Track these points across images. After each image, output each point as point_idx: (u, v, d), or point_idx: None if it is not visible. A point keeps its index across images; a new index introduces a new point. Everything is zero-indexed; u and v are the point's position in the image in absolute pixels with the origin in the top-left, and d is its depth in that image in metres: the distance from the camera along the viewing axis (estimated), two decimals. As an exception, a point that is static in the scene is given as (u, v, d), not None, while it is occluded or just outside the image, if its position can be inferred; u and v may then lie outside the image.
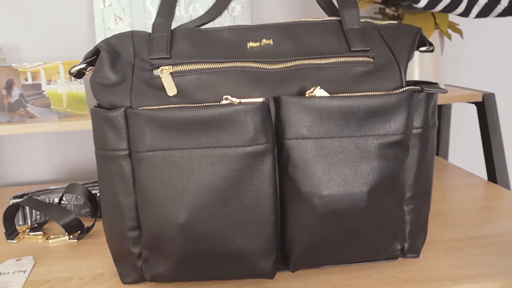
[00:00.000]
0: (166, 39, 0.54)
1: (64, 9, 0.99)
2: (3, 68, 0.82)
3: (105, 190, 0.53)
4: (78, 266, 0.62)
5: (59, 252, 0.66)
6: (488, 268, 0.56)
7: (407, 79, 0.56)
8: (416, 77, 0.90)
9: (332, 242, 0.51)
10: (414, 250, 0.58)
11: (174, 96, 0.51)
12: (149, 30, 0.56)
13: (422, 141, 0.55)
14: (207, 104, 0.50)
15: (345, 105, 0.49)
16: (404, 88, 0.51)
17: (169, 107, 0.49)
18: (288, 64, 0.53)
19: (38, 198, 0.78)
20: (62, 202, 0.77)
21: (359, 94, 0.51)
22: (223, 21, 0.97)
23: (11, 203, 0.75)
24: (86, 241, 0.69)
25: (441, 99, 0.89)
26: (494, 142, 0.91)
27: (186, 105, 0.50)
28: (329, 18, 0.58)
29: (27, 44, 0.99)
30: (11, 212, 0.72)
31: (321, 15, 1.06)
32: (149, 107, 0.50)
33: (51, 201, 0.78)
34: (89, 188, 0.81)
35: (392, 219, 0.54)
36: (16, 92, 0.82)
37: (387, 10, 0.98)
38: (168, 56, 0.53)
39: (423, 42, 0.57)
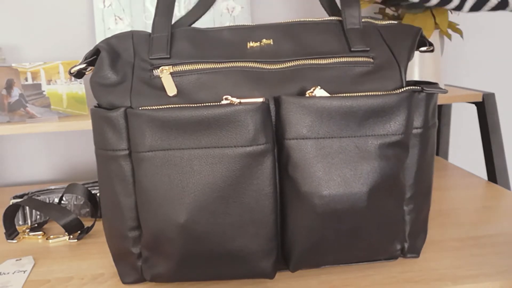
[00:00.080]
0: (166, 39, 0.54)
1: (64, 9, 0.99)
2: (3, 68, 0.82)
3: (105, 190, 0.53)
4: (78, 266, 0.62)
5: (59, 252, 0.66)
6: (488, 268, 0.56)
7: (407, 79, 0.56)
8: (416, 77, 0.90)
9: (332, 242, 0.51)
10: (414, 250, 0.58)
11: (174, 96, 0.51)
12: (149, 30, 0.56)
13: (422, 141, 0.55)
14: (207, 104, 0.50)
15: (345, 105, 0.49)
16: (404, 88, 0.51)
17: (169, 107, 0.49)
18: (288, 64, 0.53)
19: (38, 198, 0.78)
20: (62, 202, 0.77)
21: (359, 94, 0.51)
22: (223, 21, 0.97)
23: (11, 203, 0.75)
24: (86, 241, 0.69)
25: (441, 99, 0.89)
26: (494, 142, 0.91)
27: (186, 105, 0.50)
28: (329, 18, 0.58)
29: (27, 44, 0.99)
30: (11, 212, 0.72)
31: (321, 15, 1.06)
32: (149, 107, 0.50)
33: (51, 201, 0.78)
34: (89, 188, 0.81)
35: (392, 219, 0.54)
36: (16, 92, 0.82)
37: (387, 10, 0.98)
38: (168, 56, 0.53)
39: (423, 42, 0.57)
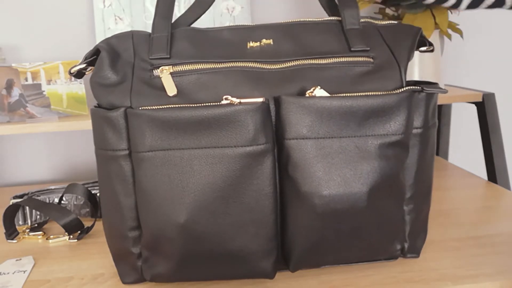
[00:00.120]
0: (166, 39, 0.54)
1: (64, 9, 0.99)
2: (3, 68, 0.82)
3: (105, 190, 0.53)
4: (78, 266, 0.62)
5: (59, 252, 0.66)
6: (488, 268, 0.56)
7: (407, 79, 0.56)
8: (416, 77, 0.90)
9: (332, 242, 0.51)
10: (414, 250, 0.58)
11: (174, 96, 0.51)
12: (149, 30, 0.56)
13: (422, 141, 0.55)
14: (207, 104, 0.50)
15: (345, 105, 0.49)
16: (404, 88, 0.51)
17: (169, 107, 0.49)
18: (288, 64, 0.53)
19: (38, 198, 0.78)
20: (62, 202, 0.77)
21: (359, 94, 0.51)
22: (223, 21, 0.97)
23: (11, 203, 0.75)
24: (86, 241, 0.69)
25: (441, 99, 0.89)
26: (494, 142, 0.91)
27: (186, 105, 0.50)
28: (329, 18, 0.58)
29: (27, 44, 0.99)
30: (11, 212, 0.72)
31: (321, 15, 1.06)
32: (149, 107, 0.50)
33: (51, 201, 0.78)
34: (89, 188, 0.81)
35: (392, 219, 0.54)
36: (16, 92, 0.82)
37: (387, 10, 0.98)
38: (168, 56, 0.53)
39: (423, 42, 0.57)
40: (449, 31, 1.08)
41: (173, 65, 0.52)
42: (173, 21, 0.57)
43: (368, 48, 0.54)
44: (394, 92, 0.51)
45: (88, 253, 0.65)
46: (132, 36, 0.55)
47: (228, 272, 0.53)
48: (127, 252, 0.54)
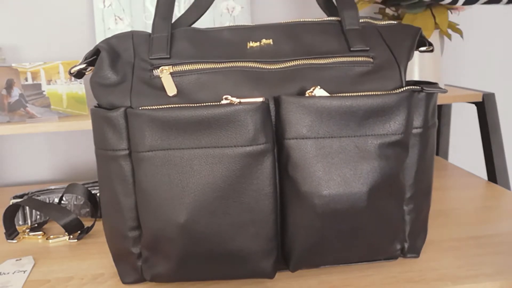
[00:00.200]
0: (166, 39, 0.54)
1: (64, 9, 0.99)
2: (3, 68, 0.82)
3: (105, 190, 0.53)
4: (78, 266, 0.62)
5: (59, 252, 0.66)
6: (488, 268, 0.56)
7: (407, 79, 0.56)
8: (416, 77, 0.90)
9: (332, 242, 0.51)
10: (414, 250, 0.58)
11: (174, 96, 0.51)
12: (149, 30, 0.56)
13: (422, 141, 0.55)
14: (207, 104, 0.50)
15: (345, 105, 0.49)
16: (404, 88, 0.51)
17: (169, 107, 0.49)
18: (288, 64, 0.53)
19: (38, 198, 0.78)
20: (62, 202, 0.77)
21: (359, 94, 0.51)
22: (223, 21, 0.97)
23: (11, 203, 0.75)
24: (86, 241, 0.69)
25: (441, 99, 0.89)
26: (494, 142, 0.91)
27: (186, 105, 0.50)
28: (329, 18, 0.58)
29: (27, 44, 0.99)
30: (11, 212, 0.72)
31: (321, 15, 1.06)
32: (149, 107, 0.50)
33: (51, 201, 0.78)
34: (89, 188, 0.81)
35: (392, 219, 0.54)
36: (16, 92, 0.82)
37: (387, 10, 0.98)
38: (168, 56, 0.53)
39: (422, 42, 0.57)
40: (449, 31, 1.08)
41: (173, 65, 0.52)
42: (173, 21, 0.57)
43: (368, 48, 0.54)
44: (394, 92, 0.51)
45: (88, 253, 0.65)
46: (132, 36, 0.55)
47: (228, 272, 0.53)
48: (127, 252, 0.54)
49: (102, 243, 0.68)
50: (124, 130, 0.50)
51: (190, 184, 0.48)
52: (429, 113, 0.55)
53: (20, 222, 0.75)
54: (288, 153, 0.49)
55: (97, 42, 0.73)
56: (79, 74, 0.54)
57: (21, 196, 0.78)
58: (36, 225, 0.74)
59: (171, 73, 0.52)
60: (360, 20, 0.57)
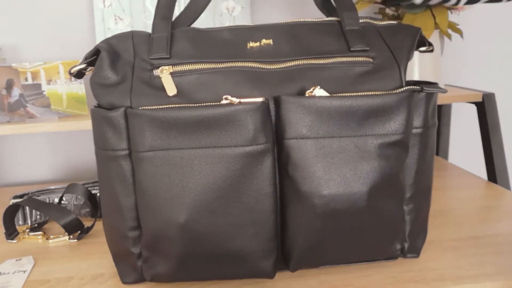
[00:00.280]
0: (166, 39, 0.54)
1: (64, 9, 0.99)
2: (3, 68, 0.82)
3: (105, 190, 0.53)
4: (78, 266, 0.62)
5: (59, 252, 0.66)
6: (488, 268, 0.56)
7: (407, 79, 0.56)
8: (416, 77, 0.90)
9: (332, 242, 0.51)
10: (414, 250, 0.58)
11: (174, 96, 0.51)
12: (149, 30, 0.56)
13: (422, 141, 0.55)
14: (207, 104, 0.50)
15: (345, 105, 0.49)
16: (404, 88, 0.51)
17: (169, 107, 0.49)
18: (288, 64, 0.53)
19: (38, 198, 0.78)
20: (62, 202, 0.77)
21: (359, 94, 0.51)
22: (223, 21, 0.97)
23: (11, 203, 0.75)
24: (86, 241, 0.69)
25: (441, 99, 0.89)
26: (494, 142, 0.91)
27: (186, 105, 0.50)
28: (329, 18, 0.58)
29: (27, 44, 0.99)
30: (11, 212, 0.72)
31: (321, 15, 1.06)
32: (149, 107, 0.50)
33: (51, 201, 0.78)
34: (89, 188, 0.81)
35: (392, 219, 0.54)
36: (16, 92, 0.82)
37: (387, 10, 0.98)
38: (168, 56, 0.53)
39: (422, 42, 0.57)
40: (449, 31, 1.08)
41: (173, 65, 0.52)
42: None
43: (368, 48, 0.54)
44: (393, 92, 0.51)
45: (88, 253, 0.65)
46: (132, 36, 0.55)
47: (228, 272, 0.53)
48: (127, 252, 0.54)
49: (102, 243, 0.68)
50: (124, 130, 0.50)
51: (190, 184, 0.48)
52: (429, 113, 0.55)
53: (20, 222, 0.75)
54: (288, 153, 0.49)
55: (97, 42, 0.73)
56: (79, 74, 0.54)
57: (21, 196, 0.78)
58: (36, 225, 0.74)
59: (171, 73, 0.52)
60: (360, 20, 0.57)
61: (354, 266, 0.58)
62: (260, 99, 0.49)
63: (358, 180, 0.49)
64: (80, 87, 0.85)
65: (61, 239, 0.70)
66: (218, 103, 0.50)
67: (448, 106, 1.10)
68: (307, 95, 0.50)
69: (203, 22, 0.96)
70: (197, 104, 0.50)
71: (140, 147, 0.49)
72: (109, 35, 0.94)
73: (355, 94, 0.51)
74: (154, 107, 0.50)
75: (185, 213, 0.48)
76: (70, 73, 0.54)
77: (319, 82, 0.52)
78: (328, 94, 0.50)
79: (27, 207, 0.75)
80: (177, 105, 0.50)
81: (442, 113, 1.10)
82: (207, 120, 0.48)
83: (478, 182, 0.88)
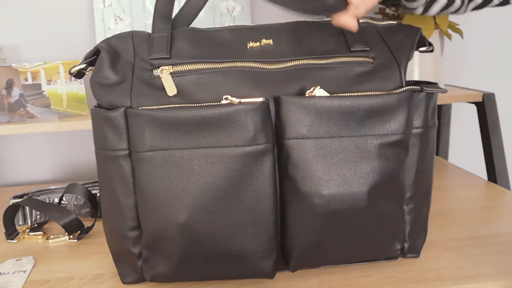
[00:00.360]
0: (166, 39, 0.54)
1: (64, 9, 0.99)
2: (3, 68, 0.82)
3: (105, 190, 0.53)
4: (78, 266, 0.62)
5: (59, 252, 0.66)
6: (488, 268, 0.56)
7: (407, 79, 0.56)
8: (416, 77, 0.90)
9: (332, 242, 0.51)
10: (414, 250, 0.58)
11: (174, 96, 0.51)
12: (149, 30, 0.56)
13: (422, 141, 0.55)
14: (207, 104, 0.50)
15: (345, 105, 0.49)
16: (404, 88, 0.51)
17: (169, 107, 0.49)
18: (288, 64, 0.53)
19: (38, 198, 0.78)
20: (62, 202, 0.77)
21: (359, 94, 0.51)
22: (223, 21, 0.97)
23: (11, 203, 0.75)
24: (86, 241, 0.69)
25: (441, 99, 0.89)
26: (494, 142, 0.91)
27: (186, 105, 0.50)
28: (329, 18, 0.58)
29: (27, 44, 0.99)
30: (11, 212, 0.72)
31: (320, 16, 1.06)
32: (149, 107, 0.50)
33: (51, 201, 0.78)
34: (89, 188, 0.81)
35: (392, 219, 0.54)
36: (16, 92, 0.82)
37: (387, 10, 0.98)
38: (168, 56, 0.53)
39: (422, 42, 0.57)
40: (449, 31, 1.08)
41: (173, 65, 0.52)
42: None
43: (368, 48, 0.54)
44: (394, 92, 0.51)
45: (88, 253, 0.65)
46: (132, 36, 0.55)
47: (228, 272, 0.53)
48: (127, 252, 0.54)
49: (102, 243, 0.68)
50: (124, 130, 0.50)
51: (190, 184, 0.48)
52: (429, 113, 0.55)
53: (20, 222, 0.75)
54: (288, 153, 0.49)
55: (97, 42, 0.73)
56: (79, 74, 0.54)
57: (21, 196, 0.78)
58: (36, 225, 0.74)
59: (171, 73, 0.52)
60: (360, 20, 0.57)
61: (354, 266, 0.58)
62: (260, 99, 0.49)
63: (358, 180, 0.49)
64: (80, 87, 0.85)
65: (61, 239, 0.70)
66: (218, 103, 0.50)
67: (448, 106, 1.10)
68: (307, 95, 0.50)
69: (203, 22, 0.96)
70: (197, 104, 0.50)
71: (140, 147, 0.49)
72: (109, 35, 0.94)
73: (355, 94, 0.51)
74: (154, 107, 0.49)
75: (185, 213, 0.48)
76: (70, 73, 0.54)
77: (319, 82, 0.52)
78: (328, 94, 0.50)
79: (27, 207, 0.75)
80: (177, 105, 0.50)
81: (442, 113, 1.10)
82: (207, 120, 0.48)
83: (478, 182, 0.88)
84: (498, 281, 0.53)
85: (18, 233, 0.72)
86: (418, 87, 0.52)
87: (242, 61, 0.53)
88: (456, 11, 0.65)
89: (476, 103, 0.93)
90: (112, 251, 0.56)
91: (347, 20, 0.50)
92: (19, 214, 0.75)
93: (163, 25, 0.55)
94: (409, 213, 0.57)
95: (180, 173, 0.48)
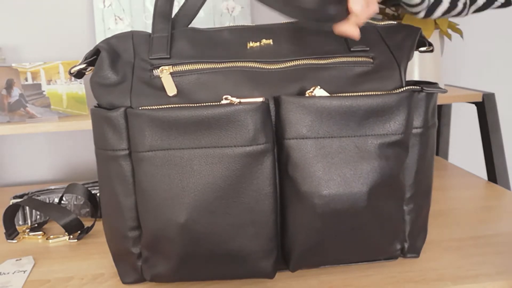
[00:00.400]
0: (166, 39, 0.54)
1: (64, 9, 0.99)
2: (3, 68, 0.82)
3: (105, 190, 0.53)
4: (78, 266, 0.62)
5: (59, 252, 0.66)
6: (488, 268, 0.56)
7: (407, 79, 0.56)
8: (416, 77, 0.90)
9: (332, 242, 0.51)
10: (414, 250, 0.58)
11: (174, 96, 0.51)
12: (149, 30, 0.56)
13: (422, 141, 0.55)
14: (207, 104, 0.50)
15: (345, 105, 0.49)
16: (404, 88, 0.51)
17: (169, 107, 0.49)
18: (288, 64, 0.53)
19: (38, 198, 0.78)
20: (62, 202, 0.77)
21: (359, 94, 0.51)
22: (223, 21, 0.97)
23: (11, 203, 0.75)
24: (86, 241, 0.69)
25: (441, 99, 0.89)
26: (494, 142, 0.91)
27: (186, 105, 0.50)
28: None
29: (27, 44, 0.99)
30: (11, 212, 0.72)
31: (321, 15, 1.06)
32: (149, 107, 0.50)
33: (51, 201, 0.78)
34: (89, 188, 0.81)
35: (392, 219, 0.54)
36: (16, 92, 0.82)
37: (387, 10, 0.98)
38: (168, 56, 0.53)
39: (422, 42, 0.57)
40: (449, 31, 1.08)
41: (173, 65, 0.52)
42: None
43: (368, 48, 0.54)
44: (394, 92, 0.51)
45: (88, 253, 0.65)
46: (132, 36, 0.55)
47: (228, 272, 0.53)
48: (127, 252, 0.54)
49: (102, 243, 0.68)
50: (124, 130, 0.50)
51: (190, 184, 0.48)
52: (429, 113, 0.55)
53: (20, 222, 0.75)
54: (288, 153, 0.49)
55: (97, 42, 0.73)
56: (79, 74, 0.54)
57: (21, 196, 0.78)
58: (36, 225, 0.74)
59: (171, 73, 0.52)
60: (360, 20, 0.57)
61: (354, 266, 0.58)
62: (260, 99, 0.49)
63: (358, 180, 0.49)
64: (80, 87, 0.85)
65: (61, 239, 0.70)
66: (218, 103, 0.50)
67: (448, 106, 1.10)
68: (307, 95, 0.50)
69: (203, 22, 0.96)
70: (197, 104, 0.50)
71: (140, 147, 0.49)
72: (109, 35, 0.94)
73: (355, 94, 0.51)
74: (154, 107, 0.49)
75: (185, 213, 0.48)
76: (70, 73, 0.54)
77: (319, 82, 0.52)
78: (328, 94, 0.50)
79: (27, 207, 0.75)
80: (177, 105, 0.50)
81: (442, 113, 1.10)
82: (207, 120, 0.48)
83: (478, 182, 0.88)
84: (498, 281, 0.53)
85: (18, 233, 0.72)
86: (418, 87, 0.52)
87: (242, 61, 0.53)
88: (458, 14, 0.65)
89: (476, 103, 0.93)
90: (112, 251, 0.56)
91: (349, 28, 0.50)
92: (19, 214, 0.75)
93: (163, 25, 0.55)
94: (409, 213, 0.57)
95: (180, 173, 0.48)
